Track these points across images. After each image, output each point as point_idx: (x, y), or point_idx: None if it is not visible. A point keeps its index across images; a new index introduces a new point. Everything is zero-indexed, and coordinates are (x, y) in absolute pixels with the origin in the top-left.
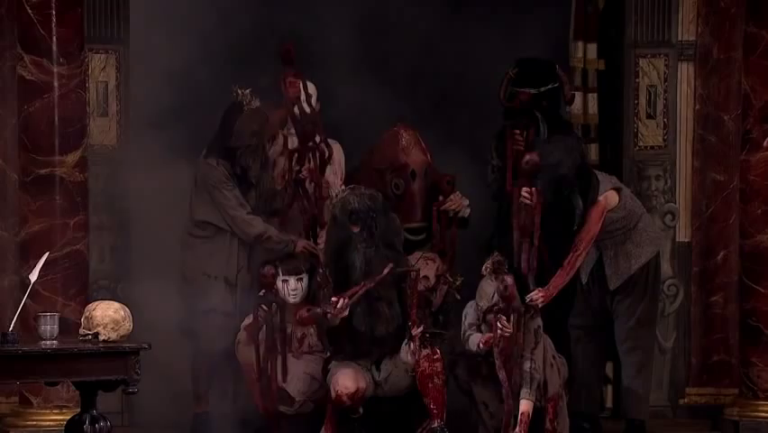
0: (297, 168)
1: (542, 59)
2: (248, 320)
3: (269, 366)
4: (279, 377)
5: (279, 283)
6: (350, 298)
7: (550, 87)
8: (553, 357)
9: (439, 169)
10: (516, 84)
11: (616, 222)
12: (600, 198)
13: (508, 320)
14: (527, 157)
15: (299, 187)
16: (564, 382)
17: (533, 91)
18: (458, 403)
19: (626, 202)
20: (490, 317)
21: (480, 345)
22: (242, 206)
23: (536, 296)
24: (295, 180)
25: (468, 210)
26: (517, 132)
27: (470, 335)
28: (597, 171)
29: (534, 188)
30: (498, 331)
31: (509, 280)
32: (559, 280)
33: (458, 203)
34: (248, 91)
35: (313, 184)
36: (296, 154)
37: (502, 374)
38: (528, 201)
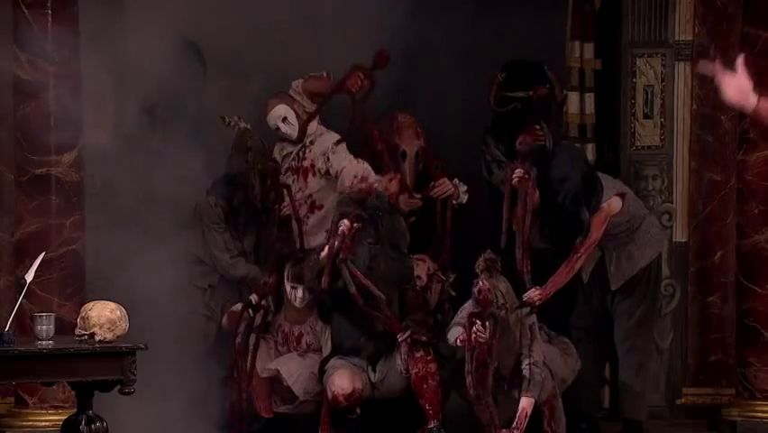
0: (277, 206)
1: (529, 61)
2: (235, 308)
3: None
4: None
5: (288, 287)
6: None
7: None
8: (544, 359)
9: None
10: (506, 88)
11: (619, 225)
12: (604, 204)
13: (484, 325)
14: (521, 138)
15: (285, 223)
16: (576, 374)
17: (522, 94)
18: (457, 404)
19: (629, 206)
20: (465, 320)
21: (458, 341)
22: (228, 250)
23: (533, 294)
24: (280, 219)
25: (465, 197)
26: (537, 127)
27: (452, 327)
28: (601, 175)
29: (525, 171)
30: (473, 336)
31: (483, 284)
32: (557, 280)
33: (447, 188)
34: (228, 117)
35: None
36: (287, 188)
37: (469, 379)
38: (518, 184)
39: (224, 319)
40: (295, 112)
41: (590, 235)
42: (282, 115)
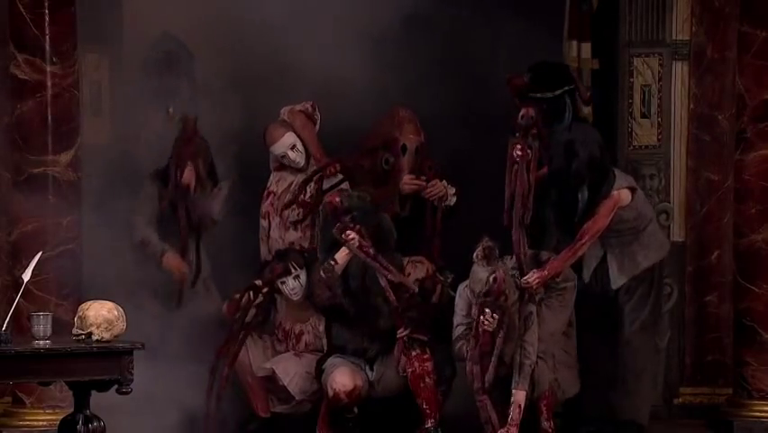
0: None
1: (554, 63)
2: (236, 296)
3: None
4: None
5: (279, 284)
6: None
7: (566, 89)
8: (543, 353)
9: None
10: (530, 90)
11: (626, 222)
12: (614, 192)
13: (492, 315)
14: (523, 111)
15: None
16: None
17: (545, 95)
18: (456, 406)
19: (638, 203)
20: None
21: (467, 350)
22: (141, 214)
23: (531, 278)
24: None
25: (453, 199)
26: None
27: (459, 345)
28: (616, 169)
29: (526, 145)
30: (482, 327)
31: (500, 274)
32: (556, 264)
33: (440, 189)
34: (171, 109)
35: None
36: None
37: (476, 369)
38: (519, 159)
39: (224, 307)
40: (300, 139)
41: (597, 221)
42: (291, 143)
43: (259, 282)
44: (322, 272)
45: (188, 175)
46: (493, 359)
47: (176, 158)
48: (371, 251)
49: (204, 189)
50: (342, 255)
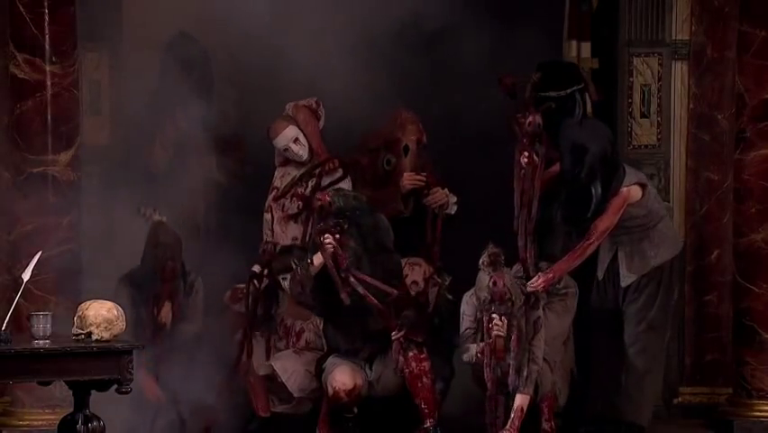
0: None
1: (563, 62)
2: (240, 285)
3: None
4: (258, 361)
5: (280, 280)
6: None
7: (575, 88)
8: (546, 355)
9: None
10: (540, 88)
11: (635, 218)
12: (623, 188)
13: (501, 319)
14: (530, 118)
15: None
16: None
17: (555, 94)
18: (456, 406)
19: (648, 200)
20: (486, 318)
21: (478, 355)
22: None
23: (537, 282)
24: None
25: (455, 207)
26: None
27: (466, 349)
28: (626, 165)
29: (533, 152)
30: (492, 332)
31: (500, 279)
32: (563, 266)
33: (441, 197)
34: (143, 209)
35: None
36: None
37: (492, 376)
38: (526, 165)
39: (227, 295)
40: (303, 133)
41: (604, 220)
42: (294, 136)
43: (257, 268)
44: (298, 269)
45: (166, 313)
46: (511, 362)
47: (154, 297)
48: (346, 263)
49: (180, 321)
50: (318, 257)
